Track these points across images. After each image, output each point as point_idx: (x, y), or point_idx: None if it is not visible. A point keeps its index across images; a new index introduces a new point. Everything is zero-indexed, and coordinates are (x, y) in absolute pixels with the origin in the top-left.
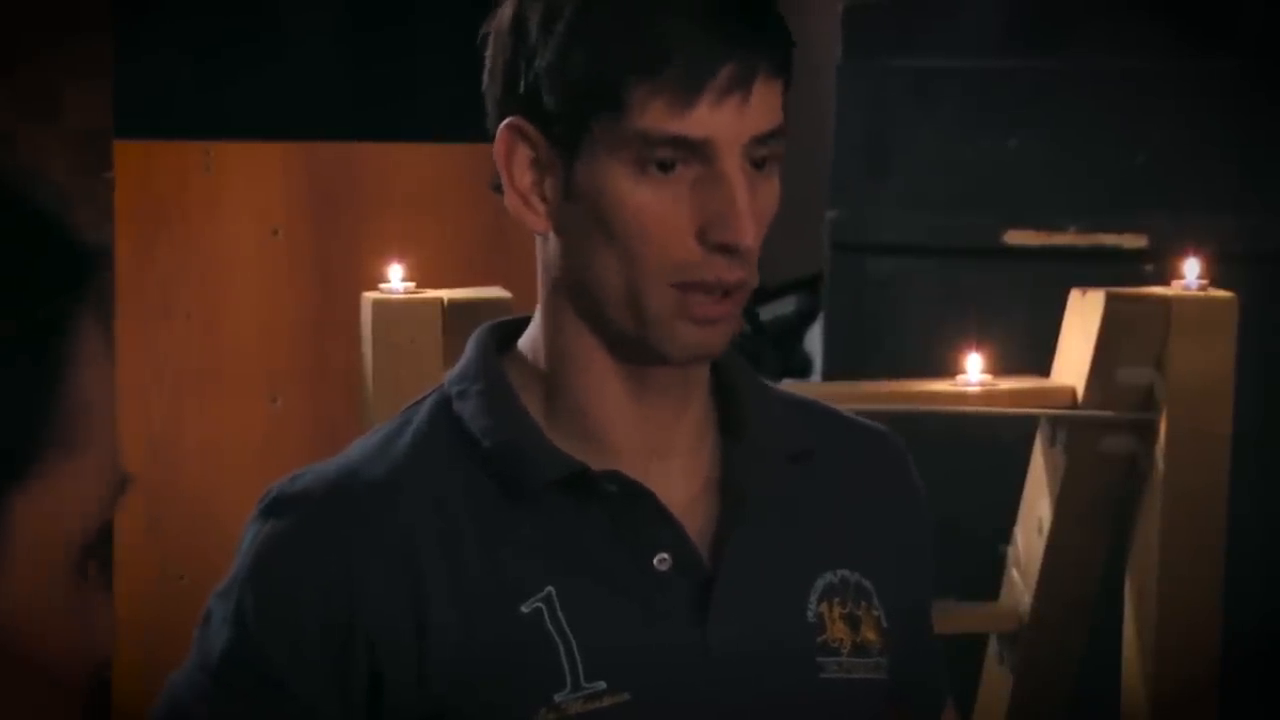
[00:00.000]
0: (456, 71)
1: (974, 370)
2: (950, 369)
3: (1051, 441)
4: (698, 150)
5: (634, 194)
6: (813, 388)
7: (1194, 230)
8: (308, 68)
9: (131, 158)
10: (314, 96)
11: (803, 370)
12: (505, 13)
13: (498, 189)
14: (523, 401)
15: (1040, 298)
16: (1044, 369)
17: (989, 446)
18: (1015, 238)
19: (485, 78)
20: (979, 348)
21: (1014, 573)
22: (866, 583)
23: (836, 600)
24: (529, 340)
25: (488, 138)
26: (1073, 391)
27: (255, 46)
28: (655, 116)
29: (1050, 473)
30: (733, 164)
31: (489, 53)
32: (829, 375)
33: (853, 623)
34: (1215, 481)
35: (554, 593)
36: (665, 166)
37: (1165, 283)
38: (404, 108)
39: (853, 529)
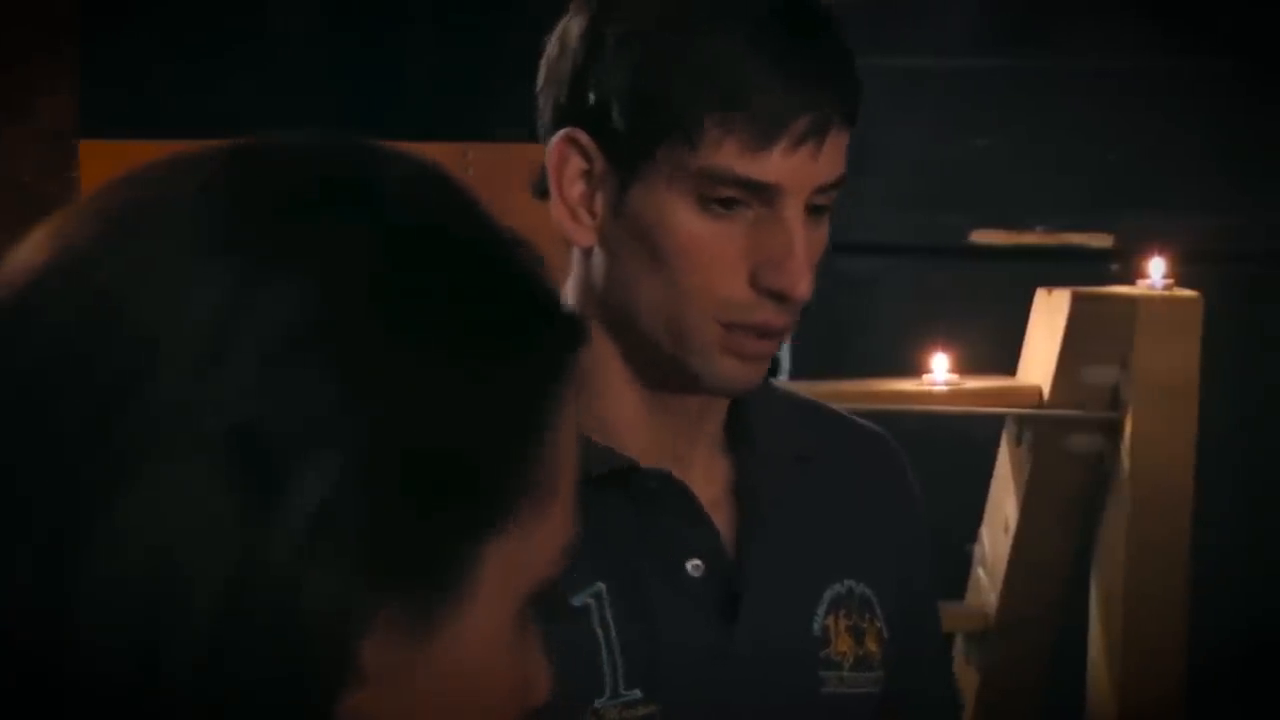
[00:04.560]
0: (437, 70)
1: (941, 370)
2: (917, 368)
3: (1018, 441)
4: (762, 193)
5: (690, 227)
6: (781, 387)
7: (1160, 230)
8: (279, 66)
9: (97, 158)
10: (285, 96)
11: (770, 369)
12: (579, 20)
13: (541, 194)
14: None
15: (1007, 297)
16: (1010, 368)
17: (957, 446)
18: (982, 237)
19: (544, 81)
20: (946, 347)
21: (980, 572)
22: (870, 593)
23: (842, 613)
24: None
25: (461, 136)
26: (1039, 391)
27: (225, 45)
28: (726, 156)
29: (1016, 472)
30: (796, 211)
31: (553, 56)
32: (796, 374)
33: (856, 635)
34: (1180, 480)
35: (604, 590)
36: (727, 204)
37: (1131, 282)
38: (379, 106)
39: (857, 537)
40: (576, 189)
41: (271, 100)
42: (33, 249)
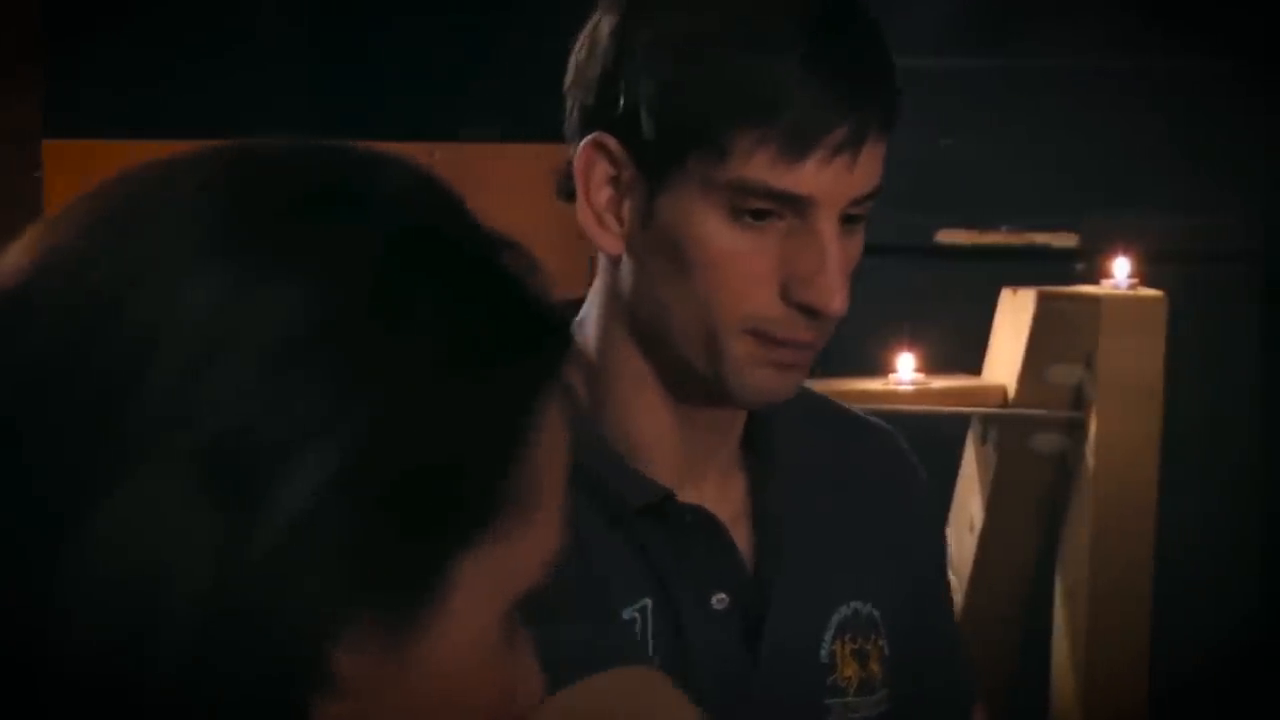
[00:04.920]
0: (403, 71)
1: (906, 369)
2: (883, 367)
3: (983, 439)
4: (796, 205)
5: (720, 239)
6: None
7: (1125, 229)
8: (246, 67)
9: (62, 157)
10: (253, 96)
11: None
12: (609, 20)
13: (567, 197)
14: (580, 400)
15: (972, 296)
16: (976, 368)
17: (922, 445)
18: (948, 237)
19: (571, 81)
20: (911, 346)
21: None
22: (875, 613)
23: (848, 636)
24: (581, 329)
25: (428, 137)
26: (1004, 390)
27: (191, 45)
28: (759, 167)
29: (982, 471)
30: (830, 224)
31: (581, 57)
32: None
33: (861, 659)
34: (1145, 479)
35: (650, 606)
36: (758, 215)
37: (1096, 282)
38: (347, 106)
39: (867, 552)
40: (603, 195)
41: (239, 101)
42: (25, 248)
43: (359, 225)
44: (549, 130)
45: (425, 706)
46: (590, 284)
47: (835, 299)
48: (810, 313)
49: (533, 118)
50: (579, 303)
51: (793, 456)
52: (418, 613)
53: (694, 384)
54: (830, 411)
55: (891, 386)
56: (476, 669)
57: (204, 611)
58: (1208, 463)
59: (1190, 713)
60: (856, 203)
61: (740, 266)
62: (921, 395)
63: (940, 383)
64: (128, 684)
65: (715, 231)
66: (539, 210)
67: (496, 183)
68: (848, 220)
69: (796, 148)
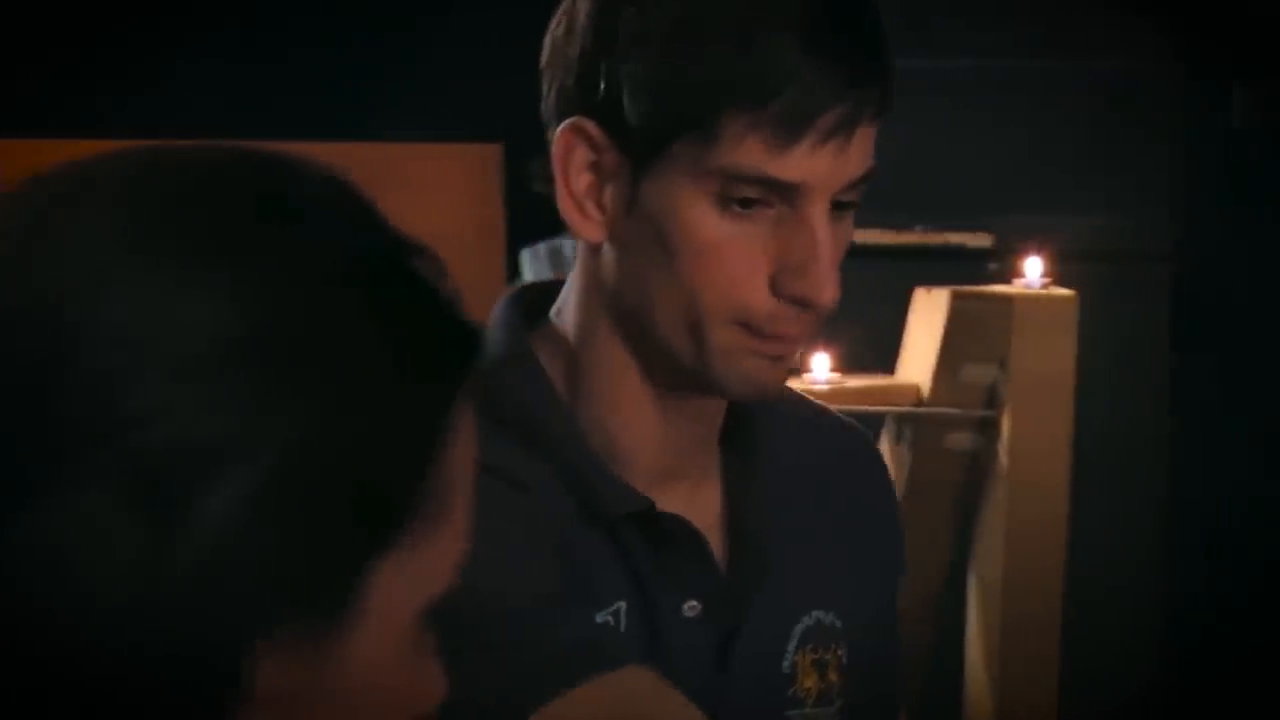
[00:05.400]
0: (320, 70)
1: (822, 368)
2: (798, 367)
3: (897, 438)
4: (785, 192)
5: (707, 227)
6: None
7: (1038, 229)
8: (170, 66)
9: (13, 158)
10: (174, 95)
11: None
12: (585, 4)
13: (544, 183)
14: (561, 396)
15: (887, 296)
16: (890, 367)
17: None
18: (863, 237)
19: (547, 60)
20: (826, 346)
21: None
22: (838, 622)
23: (809, 646)
24: (561, 317)
25: (345, 136)
26: (918, 389)
27: (117, 45)
28: (748, 153)
29: (897, 469)
30: (820, 211)
31: (559, 35)
32: None
33: (820, 669)
34: (1057, 477)
35: (623, 609)
36: (747, 204)
37: (1010, 282)
38: (270, 105)
39: (833, 557)
40: (583, 181)
41: (160, 99)
42: None
43: (279, 234)
44: (469, 130)
45: (342, 709)
46: (509, 284)
47: (826, 290)
48: (800, 304)
49: (453, 117)
50: (555, 289)
51: (772, 456)
52: (337, 619)
53: (679, 375)
54: (809, 410)
55: (806, 386)
56: (390, 671)
57: (126, 622)
58: (1119, 460)
59: (1101, 707)
60: (848, 189)
61: (728, 256)
62: (836, 395)
63: (855, 382)
64: (48, 693)
65: (702, 220)
66: (459, 210)
67: (417, 182)
68: (837, 207)
69: (789, 131)
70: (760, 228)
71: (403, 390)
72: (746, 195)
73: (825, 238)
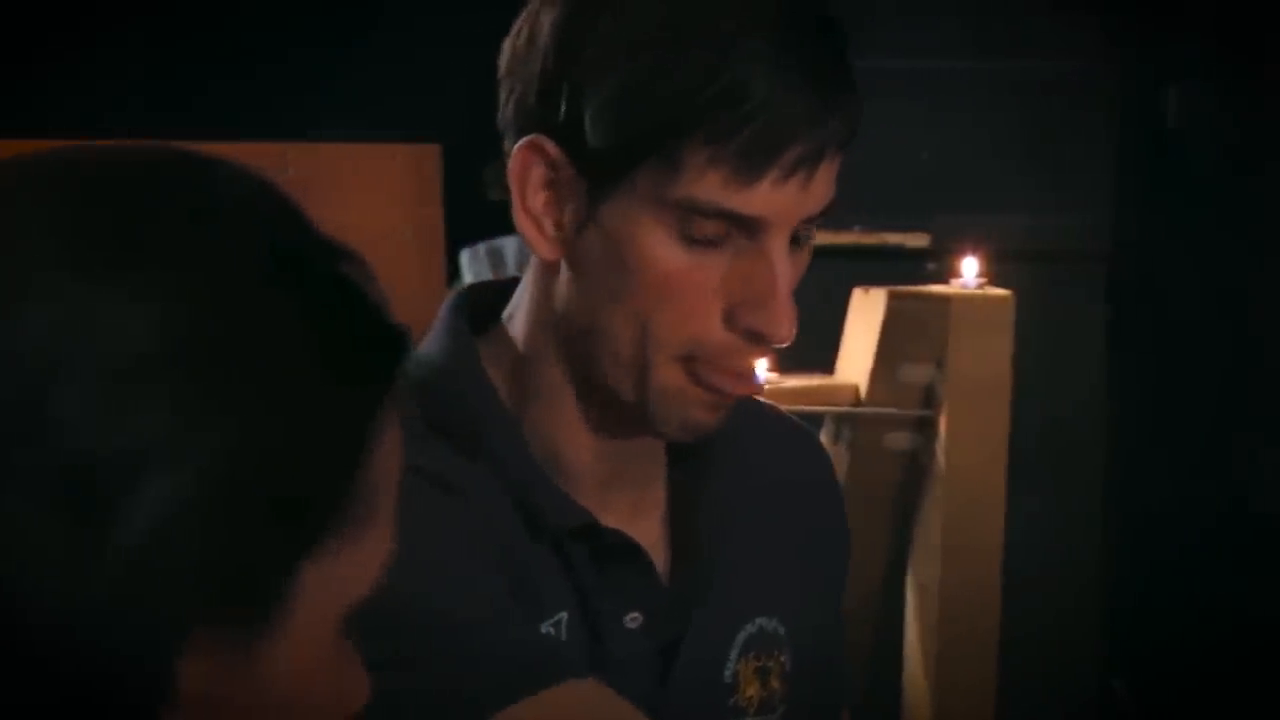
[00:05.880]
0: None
1: (760, 368)
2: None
3: (836, 438)
4: (746, 225)
5: (664, 257)
6: None
7: (974, 229)
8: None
9: None
10: (105, 96)
11: None
12: (552, 13)
13: (500, 193)
14: (506, 406)
15: (825, 296)
16: (829, 367)
17: None
18: None
19: (506, 70)
20: None
21: None
22: (781, 629)
23: (752, 654)
24: (512, 324)
25: (280, 136)
26: (856, 389)
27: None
28: (710, 186)
29: (836, 469)
30: (780, 245)
31: (520, 46)
32: None
33: (763, 676)
34: (994, 476)
35: (565, 619)
36: (706, 237)
37: (947, 281)
38: (201, 105)
39: (781, 560)
40: (540, 199)
41: (92, 100)
42: None
43: (204, 239)
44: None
45: (267, 711)
46: (449, 284)
47: (783, 326)
48: (754, 338)
49: (387, 118)
50: (503, 289)
51: (719, 458)
52: (263, 620)
53: (617, 410)
54: (757, 410)
55: None
56: (314, 675)
57: (53, 623)
58: (1054, 459)
59: (1040, 706)
60: (808, 222)
61: (684, 287)
62: (774, 394)
63: (793, 382)
64: None
65: (660, 249)
66: (399, 210)
67: (356, 183)
68: (795, 240)
69: (753, 166)
70: (718, 259)
71: (329, 394)
72: (705, 228)
73: (784, 272)
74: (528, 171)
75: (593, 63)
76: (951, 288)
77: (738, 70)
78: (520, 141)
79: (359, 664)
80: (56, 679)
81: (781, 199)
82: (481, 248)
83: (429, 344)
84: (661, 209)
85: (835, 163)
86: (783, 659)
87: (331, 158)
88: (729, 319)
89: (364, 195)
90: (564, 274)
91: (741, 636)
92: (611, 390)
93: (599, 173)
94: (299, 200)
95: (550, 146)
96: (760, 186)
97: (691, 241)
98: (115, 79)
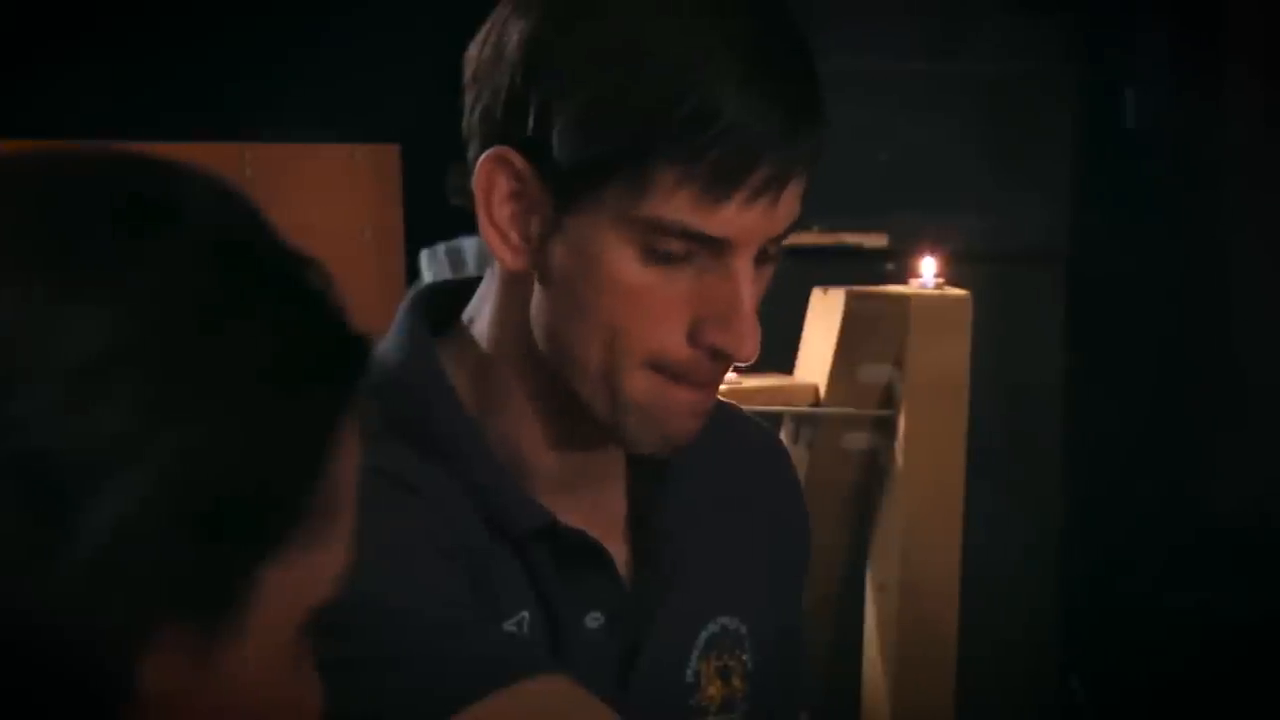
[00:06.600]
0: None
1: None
2: None
3: (795, 438)
4: (712, 245)
5: (630, 274)
6: None
7: (933, 229)
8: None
9: None
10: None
11: None
12: (520, 25)
13: (464, 200)
14: (466, 406)
15: (784, 296)
16: (788, 367)
17: None
18: None
19: (471, 79)
20: None
21: None
22: (743, 628)
23: (713, 654)
24: (474, 326)
25: (239, 137)
26: (815, 389)
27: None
28: (677, 207)
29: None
30: (745, 264)
31: (487, 58)
32: None
33: (724, 676)
34: (952, 476)
35: (527, 618)
36: (670, 255)
37: (906, 281)
38: (159, 105)
39: (743, 560)
40: (506, 210)
41: (46, 101)
42: None
43: (165, 242)
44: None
45: (226, 713)
46: (408, 285)
47: (747, 344)
48: (717, 355)
49: (345, 118)
50: (462, 289)
51: (681, 458)
52: (223, 625)
53: (585, 417)
54: (718, 409)
55: None
56: (273, 679)
57: (14, 621)
58: (1013, 459)
59: (999, 704)
60: (774, 241)
61: (648, 303)
62: (734, 395)
63: (752, 382)
64: None
65: (625, 266)
66: (357, 210)
67: (315, 183)
68: (760, 259)
69: (721, 187)
70: (683, 275)
71: (289, 398)
72: (671, 247)
73: (749, 292)
74: (493, 183)
75: (562, 78)
76: (910, 288)
77: (707, 90)
78: (486, 153)
79: (314, 674)
80: (16, 676)
81: (748, 220)
82: (440, 248)
83: (387, 344)
84: (627, 227)
85: (802, 183)
86: (744, 658)
87: (289, 158)
88: (693, 335)
89: (322, 195)
90: (529, 284)
91: (703, 636)
92: (584, 403)
93: (565, 187)
94: (257, 201)
95: (517, 159)
96: (728, 208)
97: (656, 258)
98: (70, 81)
